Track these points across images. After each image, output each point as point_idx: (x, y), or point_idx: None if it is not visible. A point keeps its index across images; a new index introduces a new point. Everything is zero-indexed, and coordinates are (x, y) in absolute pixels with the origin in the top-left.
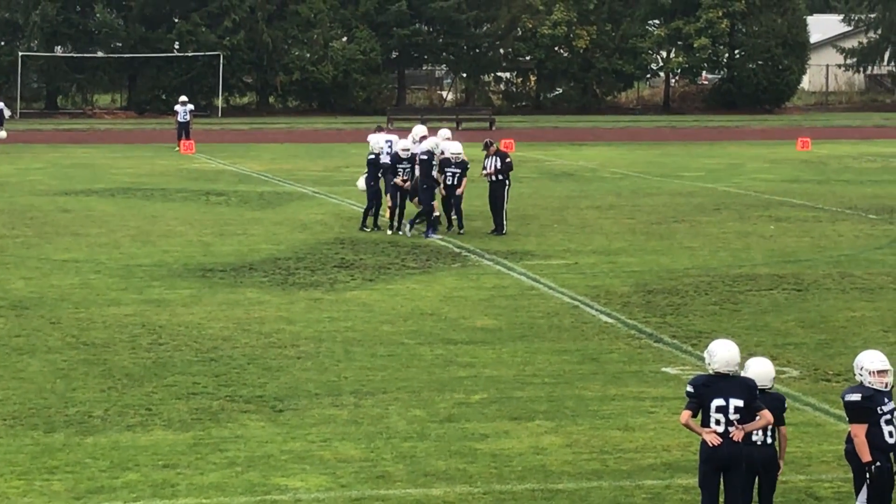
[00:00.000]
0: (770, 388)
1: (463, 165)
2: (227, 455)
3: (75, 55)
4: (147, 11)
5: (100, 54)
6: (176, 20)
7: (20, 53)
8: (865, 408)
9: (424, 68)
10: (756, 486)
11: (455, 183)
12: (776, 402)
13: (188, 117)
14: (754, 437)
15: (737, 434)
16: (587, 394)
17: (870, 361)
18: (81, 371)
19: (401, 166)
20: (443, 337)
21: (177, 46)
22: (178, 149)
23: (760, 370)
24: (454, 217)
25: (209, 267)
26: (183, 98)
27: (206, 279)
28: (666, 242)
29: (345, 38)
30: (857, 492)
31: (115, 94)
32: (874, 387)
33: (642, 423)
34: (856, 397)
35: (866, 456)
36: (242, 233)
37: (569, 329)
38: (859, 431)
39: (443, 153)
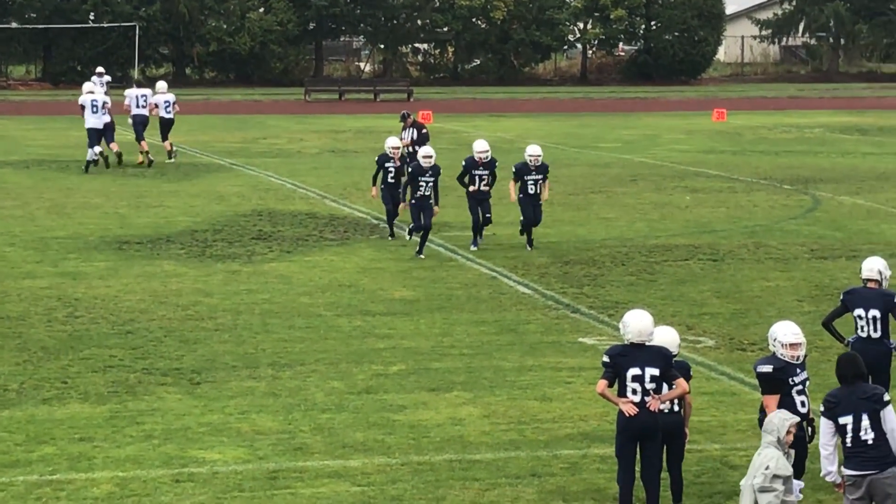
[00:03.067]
0: (675, 356)
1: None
2: (143, 428)
3: None
4: None
5: (14, 25)
6: None
7: None
8: (777, 379)
9: (342, 39)
10: (666, 457)
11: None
12: (681, 370)
13: (105, 89)
14: (673, 406)
15: (653, 403)
16: (505, 364)
17: (783, 334)
18: None
19: (423, 179)
20: (361, 308)
21: (92, 17)
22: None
23: (666, 338)
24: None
25: (125, 239)
26: (99, 69)
27: (122, 251)
28: (583, 213)
29: (262, 9)
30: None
31: (30, 65)
32: (786, 359)
33: (559, 393)
34: (768, 369)
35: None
36: (159, 205)
37: (486, 300)
38: (771, 402)
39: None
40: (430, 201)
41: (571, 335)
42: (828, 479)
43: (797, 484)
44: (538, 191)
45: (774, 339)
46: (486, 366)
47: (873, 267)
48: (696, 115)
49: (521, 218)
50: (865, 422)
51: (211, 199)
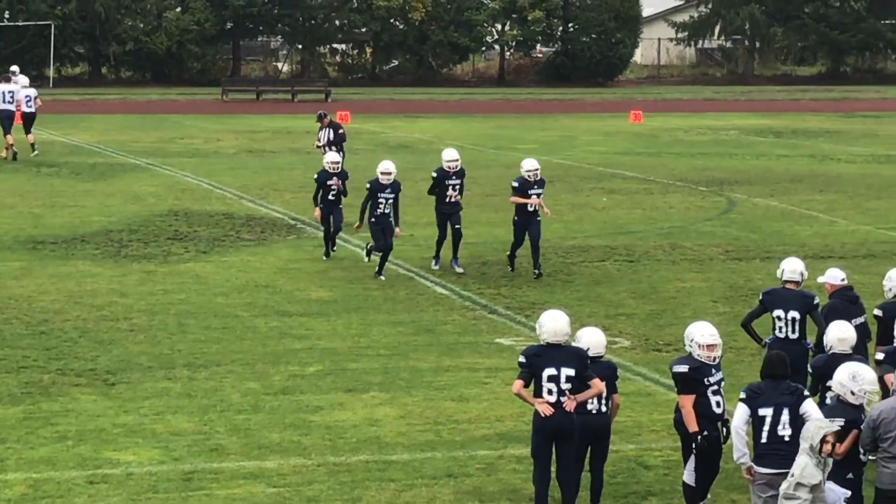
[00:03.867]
0: (602, 357)
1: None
2: (57, 429)
3: None
4: None
5: None
6: None
7: None
8: (693, 379)
9: (259, 39)
10: (588, 454)
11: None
12: (608, 371)
13: (20, 87)
14: (589, 406)
15: (569, 404)
16: (422, 365)
17: (700, 335)
18: None
19: (382, 195)
20: (277, 309)
21: (7, 15)
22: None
23: (592, 339)
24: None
25: (40, 239)
26: (14, 68)
27: (36, 251)
28: (500, 214)
29: (178, 9)
30: (686, 460)
31: None
32: (702, 360)
33: (476, 393)
34: (683, 369)
35: (693, 426)
36: (74, 204)
37: (404, 301)
38: (686, 402)
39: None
40: (391, 219)
41: (488, 336)
42: (740, 460)
43: (837, 492)
44: (536, 207)
45: (691, 340)
46: (402, 366)
47: (795, 269)
48: (613, 117)
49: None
50: (785, 416)
51: (127, 199)
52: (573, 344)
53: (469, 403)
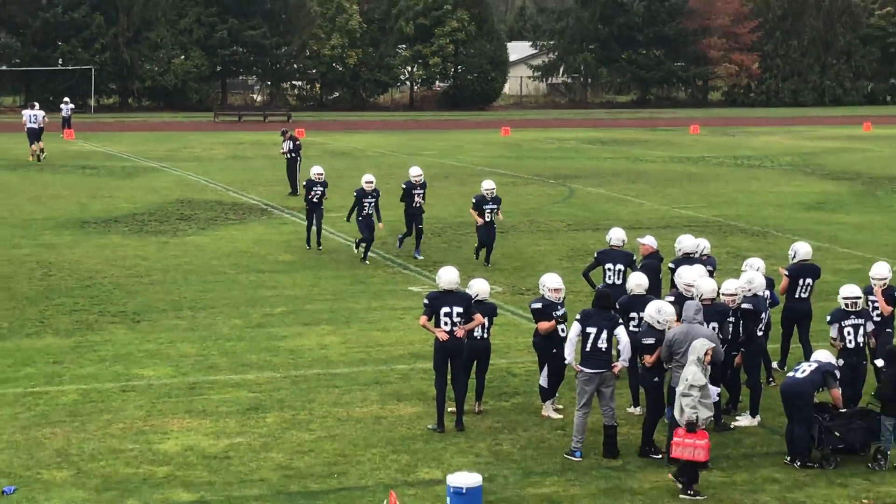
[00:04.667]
0: (487, 300)
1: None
2: (99, 354)
3: None
4: (38, 37)
5: (3, 67)
6: (59, 43)
7: None
8: (545, 312)
9: (240, 78)
10: (474, 367)
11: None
12: (490, 309)
13: (70, 113)
14: (475, 333)
15: (459, 332)
16: (357, 306)
17: (549, 281)
18: None
19: (367, 200)
20: (254, 268)
21: (60, 62)
22: (62, 136)
23: (480, 287)
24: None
25: (85, 220)
26: (66, 99)
27: (83, 229)
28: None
29: (182, 57)
30: (541, 369)
31: (16, 96)
32: (551, 299)
33: (395, 325)
34: (538, 305)
35: (544, 327)
36: (109, 196)
37: (344, 261)
38: (542, 327)
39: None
40: (374, 218)
41: (403, 285)
42: (568, 359)
43: (713, 389)
44: (492, 218)
45: (543, 286)
46: (343, 307)
47: (619, 236)
48: (490, 132)
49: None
50: (604, 335)
51: (147, 191)
52: (464, 290)
53: (390, 332)
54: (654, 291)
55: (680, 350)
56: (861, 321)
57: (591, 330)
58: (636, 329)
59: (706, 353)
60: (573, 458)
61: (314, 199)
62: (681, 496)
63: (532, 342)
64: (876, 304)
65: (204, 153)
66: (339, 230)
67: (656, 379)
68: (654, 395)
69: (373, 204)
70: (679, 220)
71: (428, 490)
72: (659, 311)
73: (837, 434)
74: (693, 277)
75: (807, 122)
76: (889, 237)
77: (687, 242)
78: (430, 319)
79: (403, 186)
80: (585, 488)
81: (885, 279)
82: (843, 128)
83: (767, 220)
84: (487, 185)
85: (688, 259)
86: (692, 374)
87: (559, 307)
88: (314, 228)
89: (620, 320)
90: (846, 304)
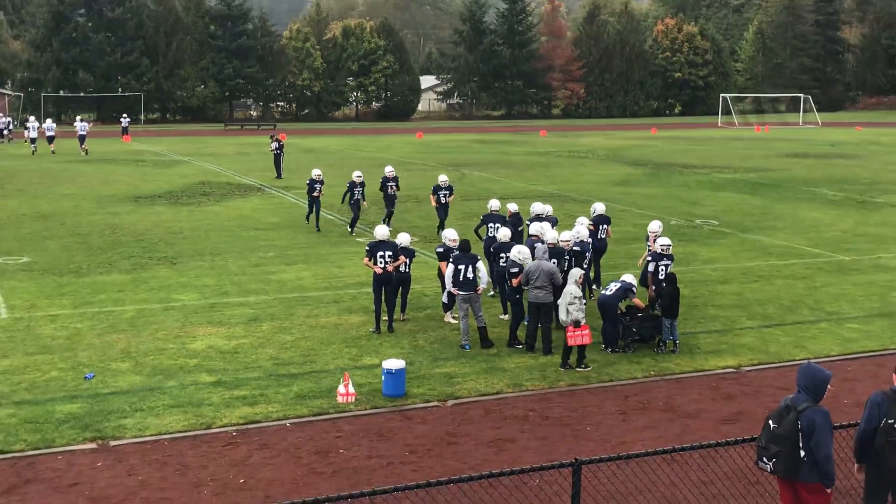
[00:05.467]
0: (409, 246)
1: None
2: (149, 284)
3: (71, 94)
4: (105, 73)
5: (82, 94)
6: (119, 77)
7: (42, 95)
8: (444, 254)
9: (242, 100)
10: (400, 293)
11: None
12: (410, 252)
13: (127, 124)
14: (401, 269)
15: (390, 267)
16: (321, 251)
17: (449, 234)
18: (76, 247)
19: (356, 189)
20: (253, 227)
21: (119, 90)
22: (122, 140)
23: (405, 238)
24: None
25: (138, 196)
26: (125, 115)
27: (136, 202)
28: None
29: (202, 86)
30: (443, 291)
31: (90, 113)
32: (450, 246)
33: (348, 264)
34: (441, 250)
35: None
36: (154, 180)
37: (313, 222)
38: (443, 265)
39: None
40: (361, 201)
41: (353, 238)
42: (450, 289)
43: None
44: (447, 201)
45: (444, 237)
46: (314, 252)
47: (496, 205)
48: (409, 136)
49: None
50: (470, 269)
51: (179, 177)
52: (392, 240)
53: (344, 269)
54: (515, 239)
55: (534, 277)
56: (669, 262)
57: (461, 266)
58: (504, 265)
59: (579, 277)
60: (464, 350)
61: (314, 194)
62: (577, 369)
63: (437, 273)
64: (649, 246)
65: (218, 151)
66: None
67: (518, 296)
68: (517, 308)
69: (361, 192)
70: (533, 193)
71: (370, 371)
72: (519, 252)
73: (634, 330)
74: (541, 230)
75: (615, 128)
76: (668, 202)
77: (537, 207)
78: (370, 260)
79: (382, 179)
80: (473, 368)
81: (657, 232)
82: (638, 132)
83: (590, 192)
84: (442, 179)
85: (538, 218)
86: (574, 290)
87: (455, 251)
88: (313, 215)
89: (479, 258)
90: (661, 250)
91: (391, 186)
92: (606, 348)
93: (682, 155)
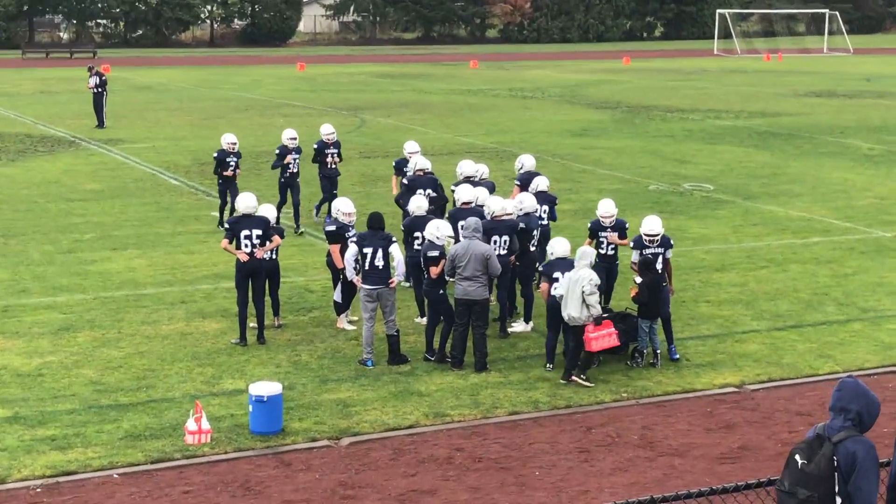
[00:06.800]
0: (276, 224)
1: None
2: None
3: None
4: None
5: None
6: None
7: None
8: (338, 234)
9: (47, 16)
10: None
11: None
12: (279, 232)
13: None
14: (265, 255)
15: (259, 252)
16: (162, 231)
17: (343, 206)
18: None
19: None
20: (64, 197)
21: None
22: None
23: (271, 210)
24: None
25: None
26: None
27: None
28: (212, 131)
29: None
30: (334, 286)
31: None
32: (344, 221)
33: (199, 248)
34: (332, 228)
35: (340, 263)
36: None
37: (150, 189)
38: (335, 249)
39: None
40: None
41: (207, 211)
42: (351, 278)
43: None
44: (334, 165)
45: (337, 210)
46: (150, 232)
47: (423, 163)
48: (286, 67)
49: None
50: (380, 254)
51: None
52: (261, 214)
53: (194, 255)
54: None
55: (461, 264)
56: (661, 250)
57: (368, 250)
58: (419, 248)
59: (595, 257)
60: (366, 367)
61: (291, 171)
62: (580, 378)
63: (326, 261)
64: (604, 237)
65: (12, 89)
66: (144, 159)
67: (441, 291)
68: (443, 307)
69: (296, 160)
70: (461, 147)
71: (232, 399)
72: (438, 228)
73: None
74: (469, 197)
75: (573, 56)
76: (645, 160)
77: (467, 168)
78: (231, 242)
79: (315, 147)
80: (377, 392)
81: (611, 216)
82: (605, 62)
83: (539, 146)
84: (326, 131)
85: (468, 182)
86: (589, 275)
87: (351, 228)
88: (292, 208)
89: (394, 239)
90: (647, 240)
91: (332, 156)
92: (549, 365)
93: (665, 94)
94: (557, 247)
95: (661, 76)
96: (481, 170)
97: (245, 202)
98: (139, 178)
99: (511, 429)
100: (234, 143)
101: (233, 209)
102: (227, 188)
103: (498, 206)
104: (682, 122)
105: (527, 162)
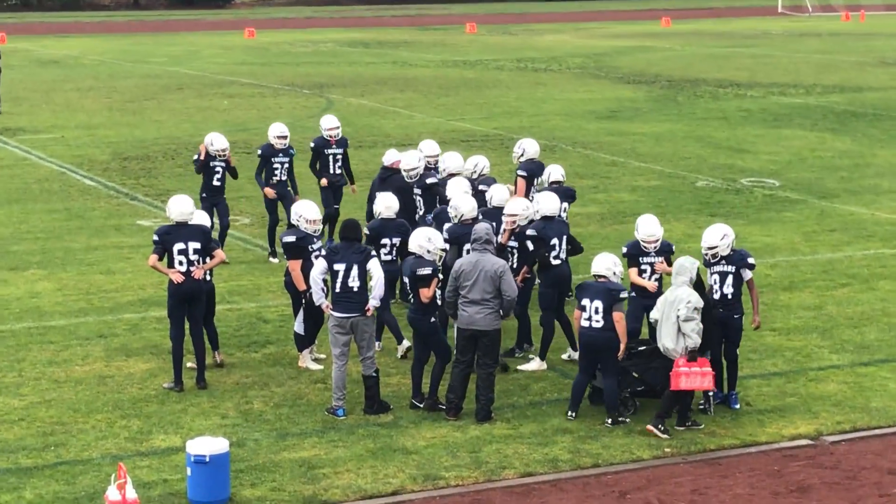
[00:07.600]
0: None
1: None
2: None
3: None
4: None
5: None
6: None
7: None
8: (300, 247)
9: None
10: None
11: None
12: (216, 244)
13: None
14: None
15: (197, 272)
16: (74, 245)
17: (306, 211)
18: None
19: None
20: None
21: None
22: None
23: (205, 218)
24: None
25: None
26: None
27: None
28: (138, 117)
29: None
30: (296, 314)
31: None
32: (308, 231)
33: (122, 267)
34: (291, 238)
35: (302, 285)
36: None
37: (57, 192)
38: (295, 266)
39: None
40: (288, 188)
41: (130, 219)
42: (319, 302)
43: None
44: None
45: (299, 216)
46: (58, 247)
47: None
48: (231, 34)
49: None
50: (355, 271)
51: None
52: (199, 223)
53: (115, 276)
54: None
55: (468, 282)
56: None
57: (339, 267)
58: (388, 258)
59: (694, 273)
60: (337, 416)
61: (280, 177)
62: (657, 429)
63: (284, 282)
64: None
65: None
66: (51, 154)
67: (433, 319)
68: (434, 339)
69: (286, 165)
70: (455, 135)
71: (165, 460)
72: (429, 239)
73: (635, 374)
74: (490, 195)
75: (599, 16)
76: (692, 148)
77: (452, 162)
78: (161, 259)
79: (312, 145)
80: (351, 449)
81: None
82: (639, 23)
83: (555, 131)
84: (277, 130)
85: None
86: (689, 296)
87: (316, 240)
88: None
89: (373, 253)
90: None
91: (336, 158)
92: (572, 413)
93: (716, 64)
94: (545, 202)
95: (710, 41)
96: (480, 164)
97: (179, 207)
98: (44, 177)
99: (523, 495)
100: (285, 137)
101: (289, 221)
102: (277, 199)
103: (468, 207)
104: (737, 99)
105: (529, 147)
